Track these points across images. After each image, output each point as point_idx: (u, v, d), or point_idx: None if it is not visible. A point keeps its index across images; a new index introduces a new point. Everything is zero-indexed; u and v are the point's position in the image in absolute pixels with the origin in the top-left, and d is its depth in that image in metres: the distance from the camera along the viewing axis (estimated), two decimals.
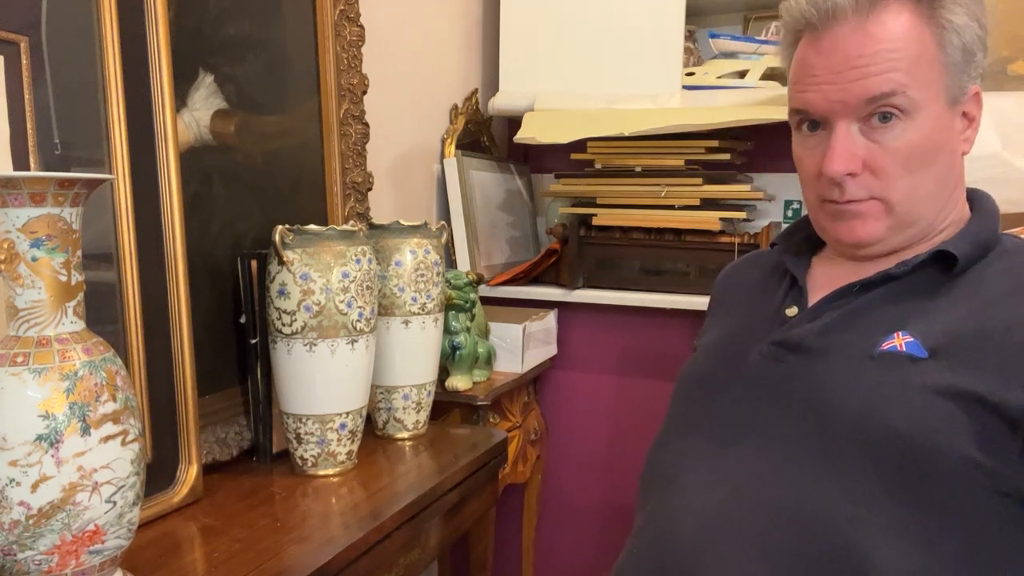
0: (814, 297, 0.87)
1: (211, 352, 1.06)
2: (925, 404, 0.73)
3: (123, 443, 0.68)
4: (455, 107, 1.84)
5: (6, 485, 0.64)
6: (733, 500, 0.78)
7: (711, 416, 0.86)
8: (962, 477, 0.71)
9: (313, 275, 1.03)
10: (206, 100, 1.08)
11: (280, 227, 1.03)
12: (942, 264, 0.80)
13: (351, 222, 1.33)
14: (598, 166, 1.73)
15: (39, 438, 0.64)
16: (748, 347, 0.87)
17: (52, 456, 0.64)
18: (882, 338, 0.78)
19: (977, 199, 0.88)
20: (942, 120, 0.80)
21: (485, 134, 1.96)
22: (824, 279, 0.89)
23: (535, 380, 1.80)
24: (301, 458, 1.08)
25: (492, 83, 1.95)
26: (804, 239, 0.94)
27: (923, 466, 0.71)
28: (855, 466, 0.73)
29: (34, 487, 0.64)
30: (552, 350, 1.79)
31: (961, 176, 0.85)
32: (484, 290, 1.74)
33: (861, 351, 0.78)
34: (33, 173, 0.71)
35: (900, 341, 0.77)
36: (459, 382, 1.46)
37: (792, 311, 0.87)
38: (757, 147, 1.73)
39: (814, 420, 0.77)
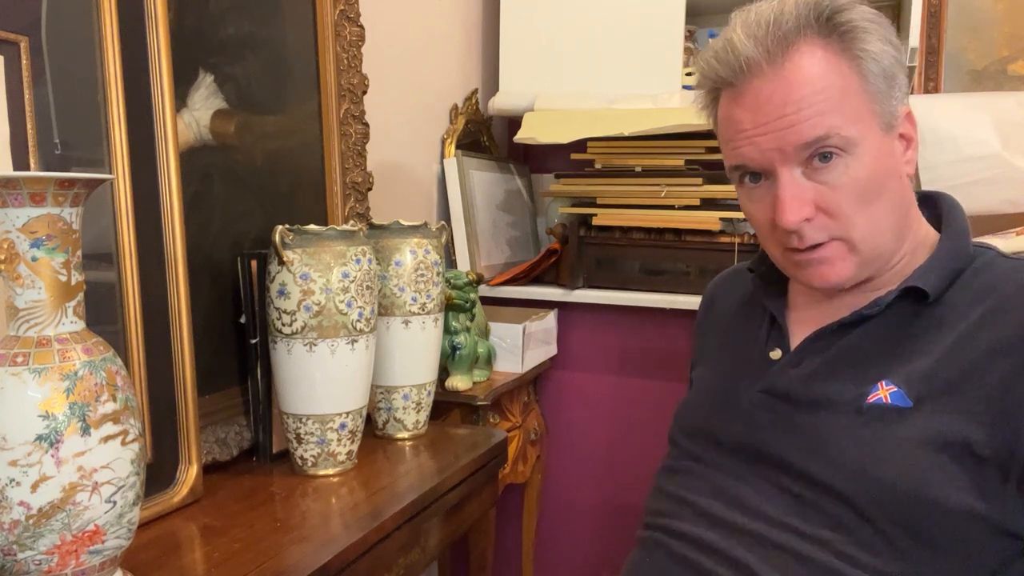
0: (795, 336, 0.88)
1: (211, 352, 1.06)
2: (916, 457, 0.73)
3: (123, 443, 0.68)
4: (455, 107, 1.84)
5: (6, 485, 0.64)
6: (733, 540, 0.79)
7: (709, 466, 0.87)
8: (961, 524, 0.71)
9: (313, 275, 1.03)
10: (206, 100, 1.08)
11: (280, 227, 1.03)
12: (914, 296, 0.80)
13: (351, 222, 1.33)
14: (598, 166, 1.73)
15: (39, 438, 0.64)
16: (738, 394, 0.88)
17: (52, 456, 0.64)
18: (866, 388, 0.77)
19: (946, 211, 0.86)
20: (882, 148, 0.78)
21: (485, 134, 1.96)
22: (802, 315, 0.89)
23: (535, 380, 1.80)
24: (301, 458, 1.08)
25: (492, 83, 1.95)
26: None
27: (921, 517, 0.72)
28: (853, 520, 0.74)
29: (34, 487, 0.64)
30: (552, 350, 1.79)
31: (912, 199, 0.85)
32: (484, 290, 1.74)
33: (847, 404, 0.78)
34: (33, 173, 0.71)
35: (884, 392, 0.76)
36: (459, 382, 1.46)
37: (776, 354, 0.87)
38: None
39: (810, 477, 0.77)
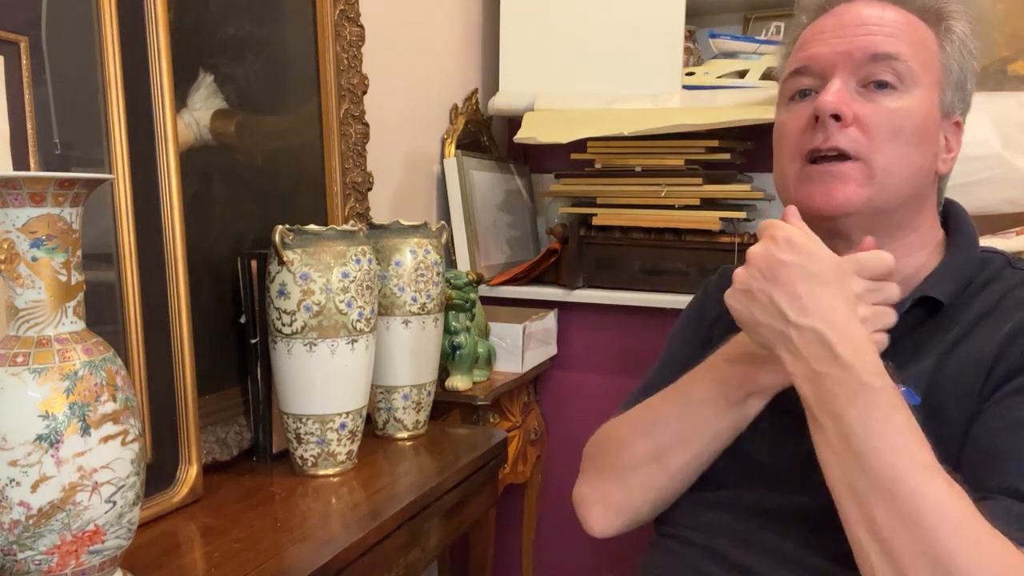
0: None
1: (211, 352, 1.06)
2: None
3: (123, 443, 0.68)
4: (455, 107, 1.84)
5: (6, 485, 0.64)
6: (752, 552, 0.79)
7: (724, 480, 0.86)
8: None
9: (313, 275, 1.03)
10: (206, 100, 1.08)
11: (280, 227, 1.03)
12: (928, 306, 0.80)
13: (351, 222, 1.33)
14: (598, 166, 1.73)
15: (39, 438, 0.64)
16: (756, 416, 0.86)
17: (52, 456, 0.64)
18: None
19: (954, 217, 0.87)
20: (932, 115, 0.80)
21: (485, 134, 1.96)
22: None
23: (535, 380, 1.80)
24: (301, 458, 1.08)
25: (492, 83, 1.95)
26: None
27: None
28: None
29: (34, 487, 0.64)
30: (552, 350, 1.79)
31: (933, 192, 0.85)
32: (484, 290, 1.74)
33: None
34: (33, 173, 0.71)
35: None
36: (459, 382, 1.46)
37: None
38: (757, 147, 1.73)
39: (823, 486, 0.76)
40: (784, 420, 0.82)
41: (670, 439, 0.86)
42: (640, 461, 0.88)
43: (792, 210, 0.78)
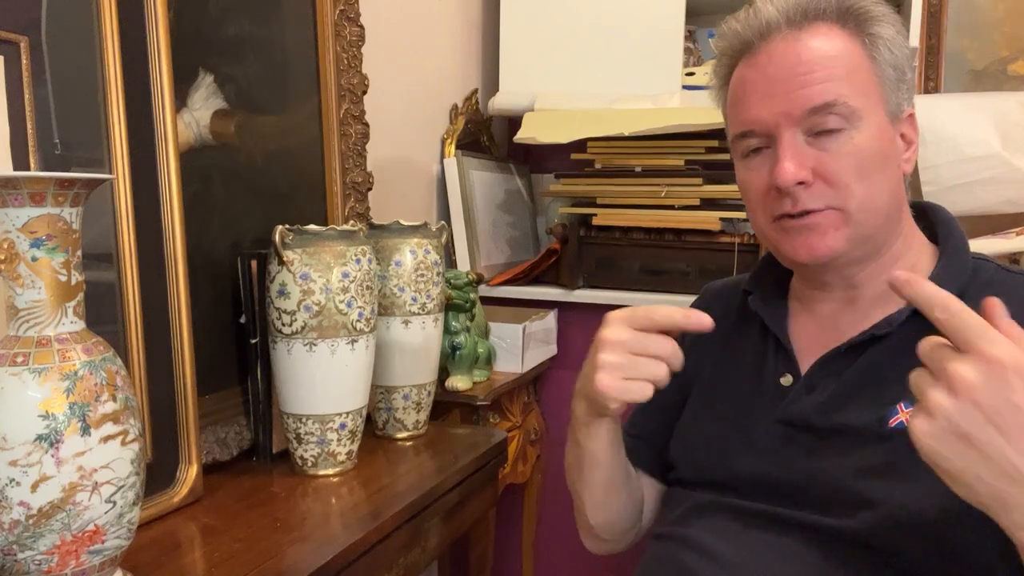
0: (803, 360, 0.85)
1: (211, 352, 1.06)
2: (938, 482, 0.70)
3: (123, 443, 0.68)
4: (455, 107, 1.84)
5: (6, 485, 0.64)
6: (749, 554, 0.78)
7: (725, 486, 0.84)
8: (992, 558, 0.68)
9: (313, 275, 1.03)
10: (206, 100, 1.08)
11: (280, 227, 1.03)
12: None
13: (351, 222, 1.33)
14: (598, 166, 1.73)
15: (39, 438, 0.64)
16: (750, 428, 0.85)
17: (52, 456, 0.64)
18: (885, 412, 0.75)
19: (941, 223, 0.86)
20: (885, 132, 0.79)
21: (485, 134, 1.96)
22: (807, 335, 0.87)
23: (535, 380, 1.80)
24: (301, 458, 1.08)
25: (492, 83, 1.95)
26: (774, 283, 0.92)
27: (951, 549, 0.69)
28: (884, 553, 0.72)
29: (34, 487, 0.64)
30: (552, 350, 1.79)
31: (904, 198, 0.85)
32: (484, 290, 1.74)
33: (869, 429, 0.76)
34: (33, 173, 0.71)
35: (905, 415, 0.74)
36: (459, 382, 1.46)
37: (787, 380, 0.85)
38: None
39: (836, 510, 0.75)
40: (790, 434, 0.82)
41: (579, 465, 0.93)
42: (576, 488, 0.96)
43: (996, 305, 0.58)
